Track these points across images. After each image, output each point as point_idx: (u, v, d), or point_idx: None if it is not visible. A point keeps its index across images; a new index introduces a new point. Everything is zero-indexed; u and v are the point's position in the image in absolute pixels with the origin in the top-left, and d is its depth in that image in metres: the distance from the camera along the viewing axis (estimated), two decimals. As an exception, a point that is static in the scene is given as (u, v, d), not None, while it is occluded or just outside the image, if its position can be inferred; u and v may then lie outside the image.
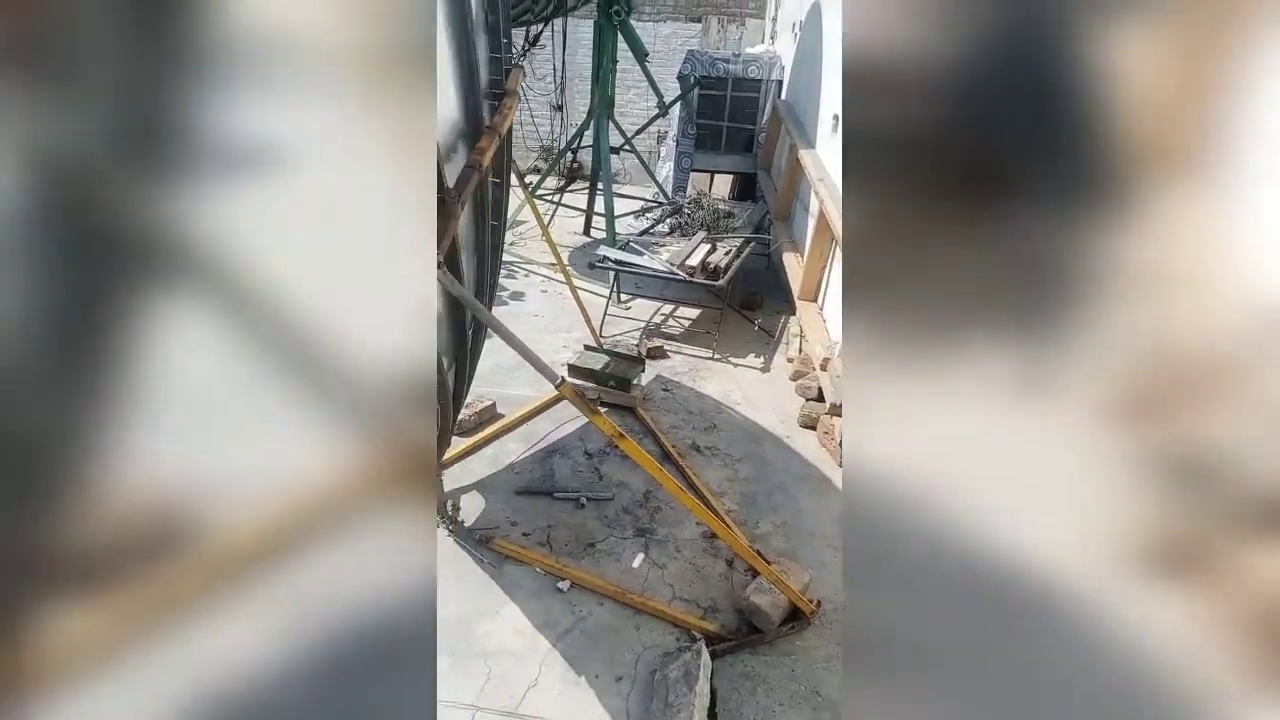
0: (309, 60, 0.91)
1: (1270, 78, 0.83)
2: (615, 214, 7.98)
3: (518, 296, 7.07)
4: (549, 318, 6.59)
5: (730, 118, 9.30)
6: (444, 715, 2.75)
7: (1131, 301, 0.91)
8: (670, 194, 9.11)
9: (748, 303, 6.86)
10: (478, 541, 3.67)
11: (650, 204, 10.15)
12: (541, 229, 5.63)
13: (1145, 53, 0.88)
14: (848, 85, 1.07)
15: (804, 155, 6.55)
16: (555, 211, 9.22)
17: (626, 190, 10.49)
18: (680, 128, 9.50)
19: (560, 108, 12.03)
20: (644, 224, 9.47)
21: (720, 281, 5.96)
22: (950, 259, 0.99)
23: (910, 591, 1.02)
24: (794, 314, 6.44)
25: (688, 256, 6.29)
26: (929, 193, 0.99)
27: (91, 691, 0.87)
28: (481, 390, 4.85)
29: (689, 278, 6.06)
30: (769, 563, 3.34)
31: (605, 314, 6.44)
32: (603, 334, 6.15)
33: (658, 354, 5.86)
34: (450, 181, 2.18)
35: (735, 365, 5.87)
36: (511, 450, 4.52)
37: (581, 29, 10.60)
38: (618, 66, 8.16)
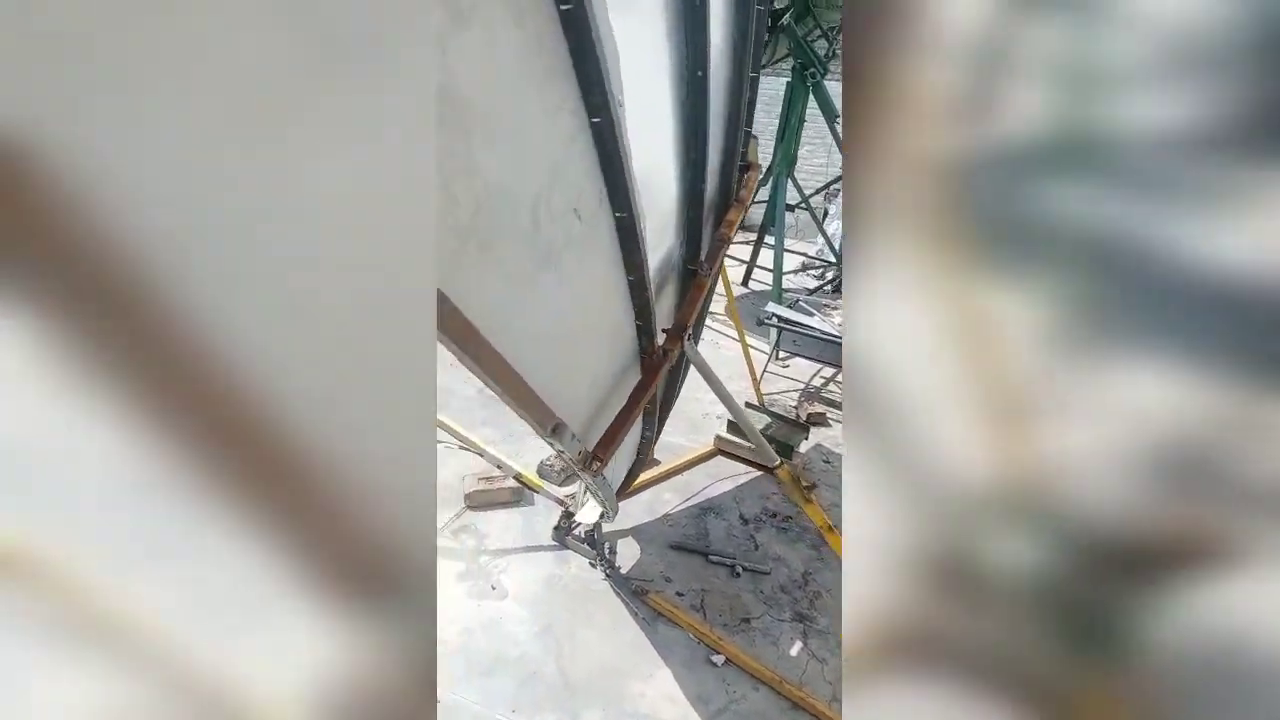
0: None
1: None
2: (783, 270, 7.91)
3: (676, 341, 7.13)
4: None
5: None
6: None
7: None
8: (838, 251, 8.91)
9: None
10: (633, 592, 3.65)
11: (812, 261, 9.96)
12: (728, 294, 5.52)
13: None
14: None
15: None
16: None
17: (789, 244, 10.38)
18: (855, 187, 9.27)
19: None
20: (806, 280, 9.31)
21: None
22: None
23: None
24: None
25: (861, 324, 6.02)
26: None
27: None
28: (643, 434, 4.90)
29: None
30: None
31: (765, 371, 6.33)
32: (760, 392, 6.03)
33: (819, 420, 5.63)
34: (703, 254, 2.21)
35: (901, 446, 5.50)
36: (666, 500, 4.50)
37: (762, 85, 10.69)
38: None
